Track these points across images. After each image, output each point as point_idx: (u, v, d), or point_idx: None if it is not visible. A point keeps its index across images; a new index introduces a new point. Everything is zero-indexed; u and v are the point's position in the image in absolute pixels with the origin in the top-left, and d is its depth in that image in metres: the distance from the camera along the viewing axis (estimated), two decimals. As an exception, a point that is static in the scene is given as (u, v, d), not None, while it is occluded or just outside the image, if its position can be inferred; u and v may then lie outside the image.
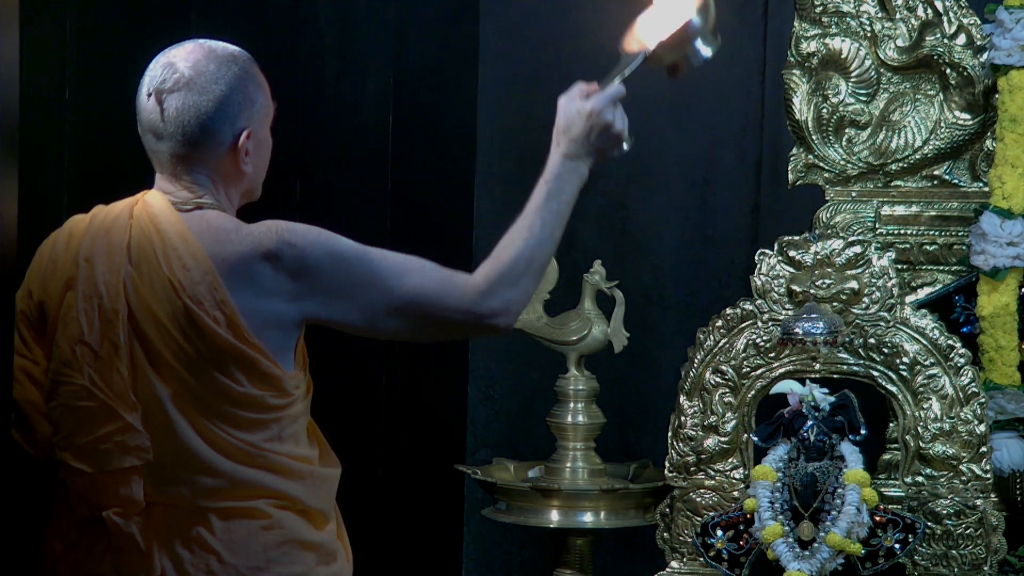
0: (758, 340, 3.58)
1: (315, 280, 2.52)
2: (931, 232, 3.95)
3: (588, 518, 3.71)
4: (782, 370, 3.57)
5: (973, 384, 3.50)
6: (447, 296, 2.55)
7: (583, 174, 2.71)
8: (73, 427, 2.50)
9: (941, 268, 3.93)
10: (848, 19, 3.93)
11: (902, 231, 3.95)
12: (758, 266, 3.60)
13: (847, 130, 3.95)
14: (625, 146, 2.76)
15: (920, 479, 3.52)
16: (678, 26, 2.75)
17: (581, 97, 2.73)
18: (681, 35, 2.76)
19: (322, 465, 2.65)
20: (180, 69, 2.57)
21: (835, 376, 3.56)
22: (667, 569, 3.63)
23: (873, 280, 3.53)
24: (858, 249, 3.55)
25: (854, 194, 3.97)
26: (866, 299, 3.53)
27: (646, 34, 2.78)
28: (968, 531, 3.49)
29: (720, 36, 2.79)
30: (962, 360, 3.51)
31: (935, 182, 3.96)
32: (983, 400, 3.50)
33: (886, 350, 3.52)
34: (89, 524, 2.53)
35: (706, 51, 2.79)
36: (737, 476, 3.58)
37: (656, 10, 2.78)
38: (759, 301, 3.59)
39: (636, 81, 4.81)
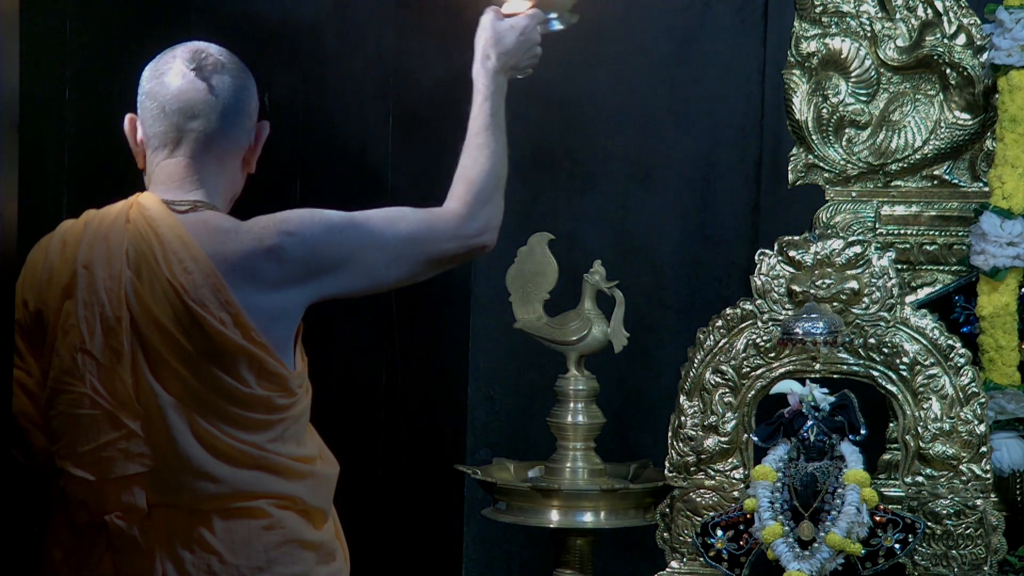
0: (758, 340, 3.58)
1: (320, 259, 2.54)
2: (931, 232, 3.95)
3: (588, 518, 3.71)
4: (782, 370, 3.57)
5: (973, 384, 3.50)
6: (435, 230, 2.66)
7: (505, 89, 2.83)
8: (74, 436, 2.49)
9: (941, 268, 3.93)
10: (848, 19, 3.93)
11: (902, 231, 3.95)
12: (758, 266, 3.60)
13: (847, 130, 3.95)
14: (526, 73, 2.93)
15: (920, 479, 3.51)
16: None
17: (502, 14, 2.85)
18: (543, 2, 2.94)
19: (321, 465, 2.65)
20: (213, 53, 2.63)
21: (835, 376, 3.56)
22: (667, 569, 3.63)
23: (873, 280, 3.53)
24: (858, 249, 3.55)
25: (854, 194, 3.97)
26: (866, 299, 3.53)
27: None
28: (968, 531, 3.49)
29: (577, 17, 3.01)
30: (962, 360, 3.51)
31: (935, 182, 3.96)
32: (983, 400, 3.50)
33: (886, 350, 3.52)
34: (88, 528, 2.52)
35: (557, 25, 3.01)
36: (737, 476, 3.58)
37: None
38: (759, 301, 3.59)
39: (637, 81, 4.83)
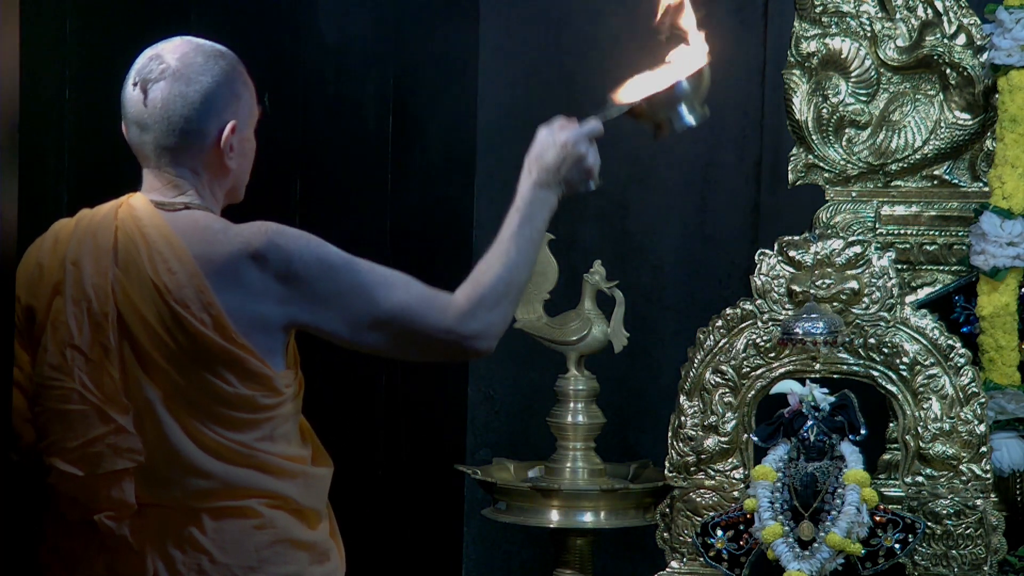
0: (758, 340, 3.58)
1: (302, 285, 2.51)
2: (931, 232, 3.95)
3: (588, 518, 3.71)
4: (782, 370, 3.57)
5: (973, 384, 3.50)
6: (430, 314, 2.56)
7: (552, 204, 2.73)
8: (62, 431, 2.49)
9: (941, 268, 3.93)
10: (848, 19, 3.94)
11: (902, 231, 3.96)
12: (758, 266, 3.61)
13: (847, 130, 3.95)
14: (592, 184, 2.79)
15: (920, 479, 3.52)
16: (666, 85, 2.80)
17: (559, 129, 2.75)
18: (668, 95, 2.81)
19: (315, 464, 2.64)
20: (167, 60, 2.57)
21: (835, 376, 3.56)
22: (667, 569, 3.63)
23: (873, 280, 3.53)
24: (858, 249, 3.55)
25: (854, 194, 3.97)
26: (866, 299, 3.53)
27: (637, 88, 2.82)
28: (968, 531, 3.49)
29: (707, 109, 2.84)
30: (962, 360, 3.51)
31: (935, 182, 3.96)
32: (983, 400, 3.50)
33: (886, 350, 3.52)
34: (80, 527, 2.52)
35: (689, 119, 2.84)
36: (737, 476, 3.58)
37: (657, 72, 2.84)
38: (759, 301, 3.60)
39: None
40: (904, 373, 3.52)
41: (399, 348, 2.59)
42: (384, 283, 2.55)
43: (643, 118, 2.86)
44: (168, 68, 2.56)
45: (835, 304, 3.51)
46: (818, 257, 3.55)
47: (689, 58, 2.83)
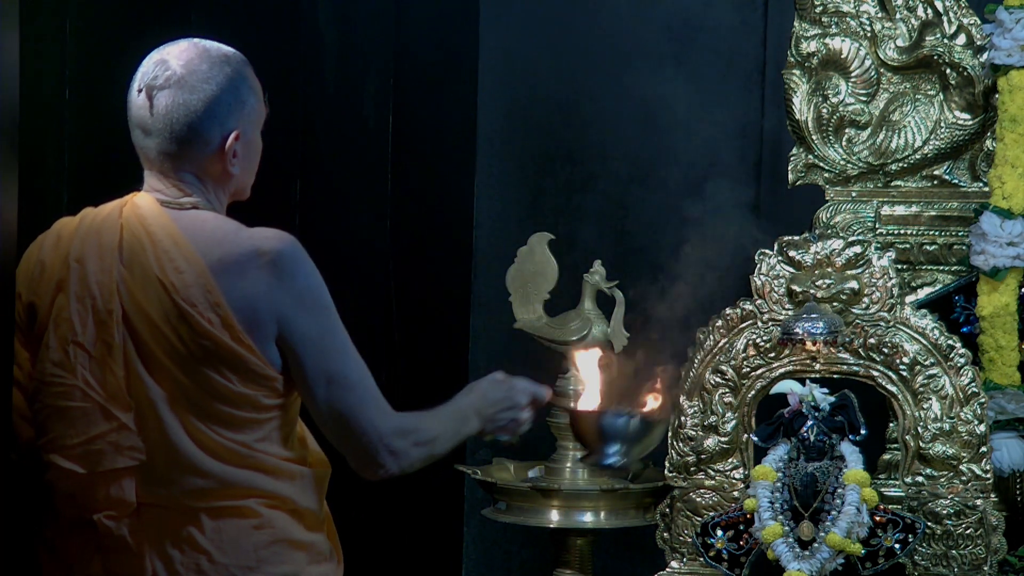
0: (758, 340, 3.58)
1: (297, 304, 2.51)
2: (931, 232, 3.95)
3: (588, 518, 3.71)
4: (782, 370, 3.57)
5: (973, 384, 3.50)
6: (374, 409, 2.59)
7: (473, 428, 2.79)
8: (63, 428, 2.49)
9: (941, 268, 3.93)
10: (848, 19, 3.94)
11: (902, 231, 3.96)
12: (758, 266, 3.61)
13: (847, 130, 3.95)
14: (509, 438, 2.86)
15: (920, 479, 3.51)
16: (618, 415, 2.93)
17: (518, 378, 2.85)
18: (612, 423, 2.92)
19: (312, 466, 2.65)
20: (172, 67, 2.56)
21: (835, 376, 3.56)
22: (667, 569, 3.63)
23: (873, 280, 3.53)
24: (858, 249, 3.55)
25: (854, 194, 3.97)
26: (866, 299, 3.53)
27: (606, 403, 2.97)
28: (968, 531, 3.49)
29: (635, 467, 2.94)
30: (962, 360, 3.51)
31: (935, 182, 3.96)
32: (983, 400, 3.50)
33: (886, 350, 3.52)
34: (78, 527, 2.52)
35: (613, 459, 2.91)
36: (737, 476, 3.58)
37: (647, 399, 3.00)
38: (759, 301, 3.60)
39: (637, 81, 4.83)
40: (904, 373, 3.52)
41: (327, 417, 2.58)
42: (355, 359, 2.58)
43: (583, 431, 2.96)
44: (173, 75, 2.55)
45: (835, 304, 3.51)
46: (818, 257, 3.55)
47: (654, 411, 2.97)
